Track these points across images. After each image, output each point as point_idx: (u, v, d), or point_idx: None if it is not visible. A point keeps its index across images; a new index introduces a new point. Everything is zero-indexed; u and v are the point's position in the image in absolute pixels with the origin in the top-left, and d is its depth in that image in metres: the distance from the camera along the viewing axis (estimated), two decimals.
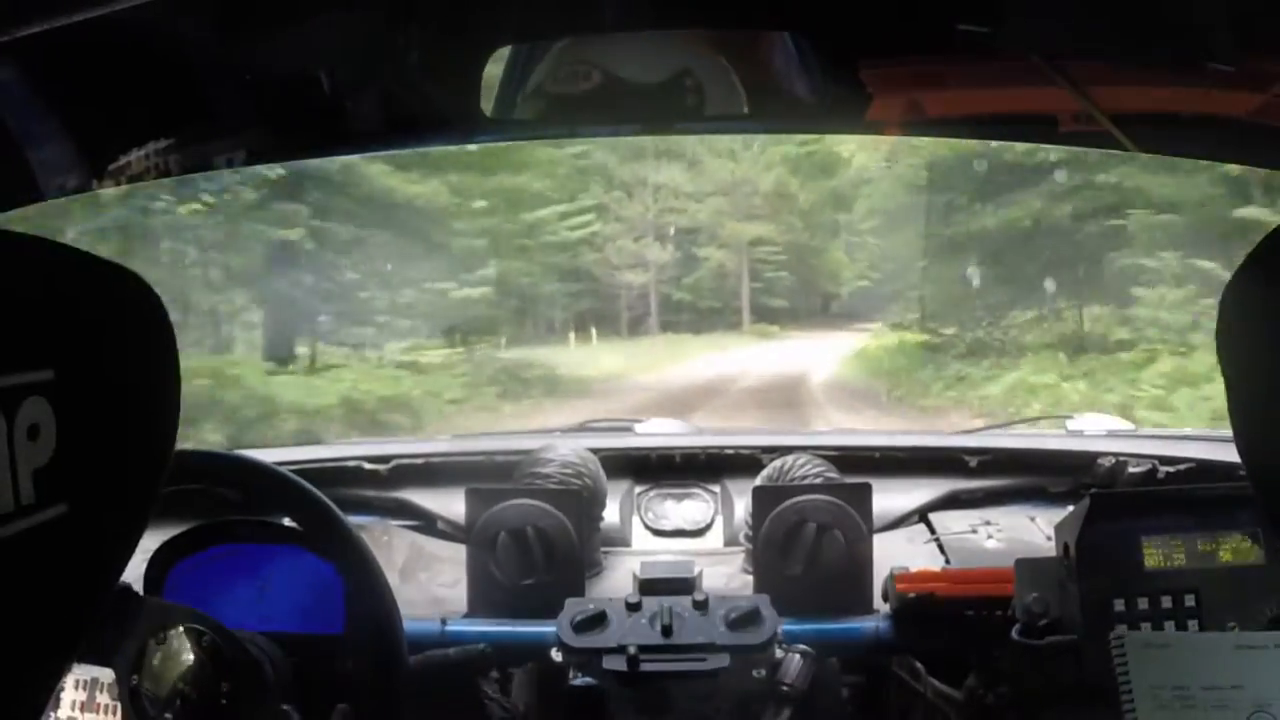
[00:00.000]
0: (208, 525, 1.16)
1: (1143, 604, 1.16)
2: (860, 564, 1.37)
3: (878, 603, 1.35)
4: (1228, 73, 0.96)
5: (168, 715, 0.97)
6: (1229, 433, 0.66)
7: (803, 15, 1.05)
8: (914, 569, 1.31)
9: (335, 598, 1.11)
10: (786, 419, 9.34)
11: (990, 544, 1.49)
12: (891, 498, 1.55)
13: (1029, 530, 1.52)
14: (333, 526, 1.07)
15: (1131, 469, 1.56)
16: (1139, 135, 1.10)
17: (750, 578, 1.42)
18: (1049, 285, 9.97)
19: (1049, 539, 1.37)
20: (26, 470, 0.42)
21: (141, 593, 1.14)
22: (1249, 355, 0.58)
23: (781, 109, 1.16)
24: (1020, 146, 7.91)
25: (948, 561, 1.45)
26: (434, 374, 9.86)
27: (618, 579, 1.46)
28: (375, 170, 8.89)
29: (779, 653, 1.23)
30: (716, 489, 1.65)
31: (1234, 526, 1.17)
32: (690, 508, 1.63)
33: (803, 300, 18.16)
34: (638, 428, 1.91)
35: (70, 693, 1.05)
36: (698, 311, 17.29)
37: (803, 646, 1.24)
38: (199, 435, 5.20)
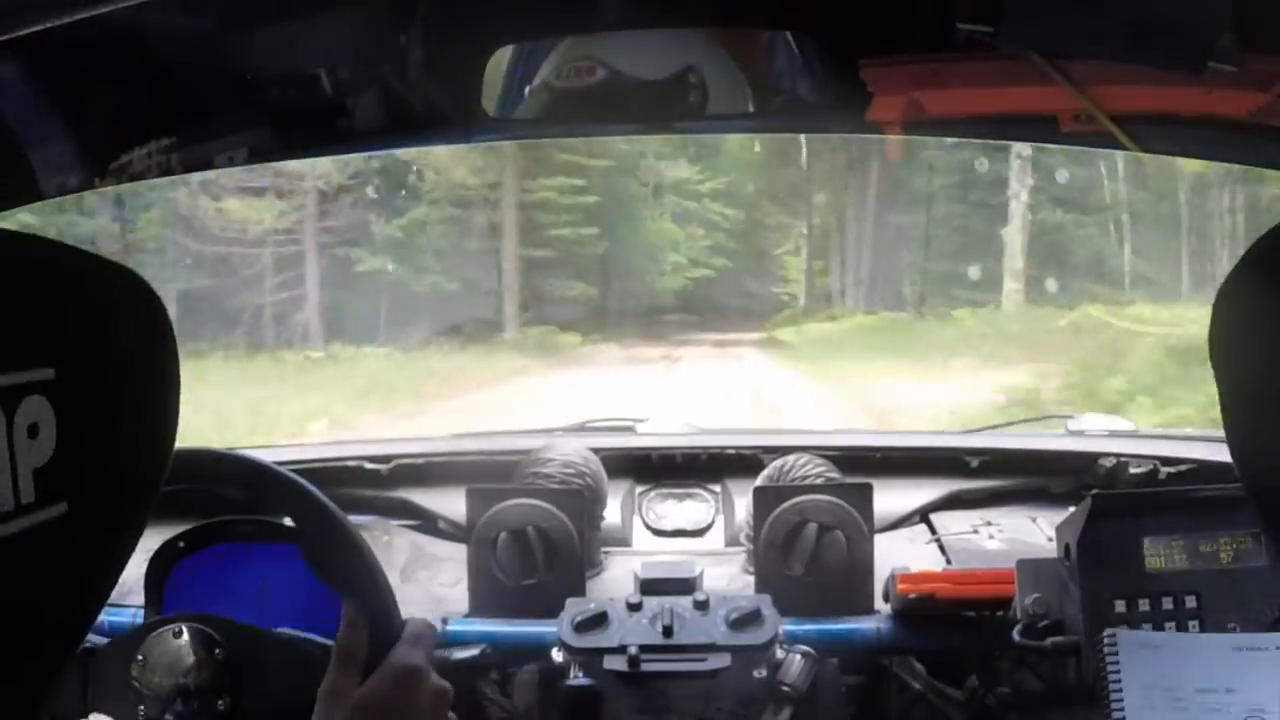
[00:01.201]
0: (208, 525, 1.16)
1: (1144, 605, 1.15)
2: (861, 564, 1.36)
3: (878, 603, 1.35)
4: (1228, 73, 0.96)
5: (168, 716, 0.97)
6: None
7: (803, 14, 1.05)
8: (915, 569, 1.31)
9: (336, 597, 1.11)
10: None
11: (991, 545, 1.49)
12: (892, 498, 1.55)
13: (1030, 531, 1.52)
14: (332, 526, 1.07)
15: (1133, 470, 1.56)
16: (1139, 135, 1.10)
17: (751, 578, 1.42)
18: None
19: (1050, 540, 1.37)
20: (26, 469, 0.42)
21: (141, 598, 1.14)
22: (1243, 359, 0.58)
23: (781, 108, 1.16)
24: None
25: (949, 562, 1.45)
26: None
27: (618, 579, 1.46)
28: None
29: (780, 653, 1.23)
30: (717, 489, 1.65)
31: (1235, 527, 1.17)
32: (691, 508, 1.63)
33: (614, 286, 10.12)
34: (639, 427, 1.91)
35: None
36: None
37: (803, 647, 1.24)
38: None
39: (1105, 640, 1.06)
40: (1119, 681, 1.04)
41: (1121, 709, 1.03)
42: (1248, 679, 1.00)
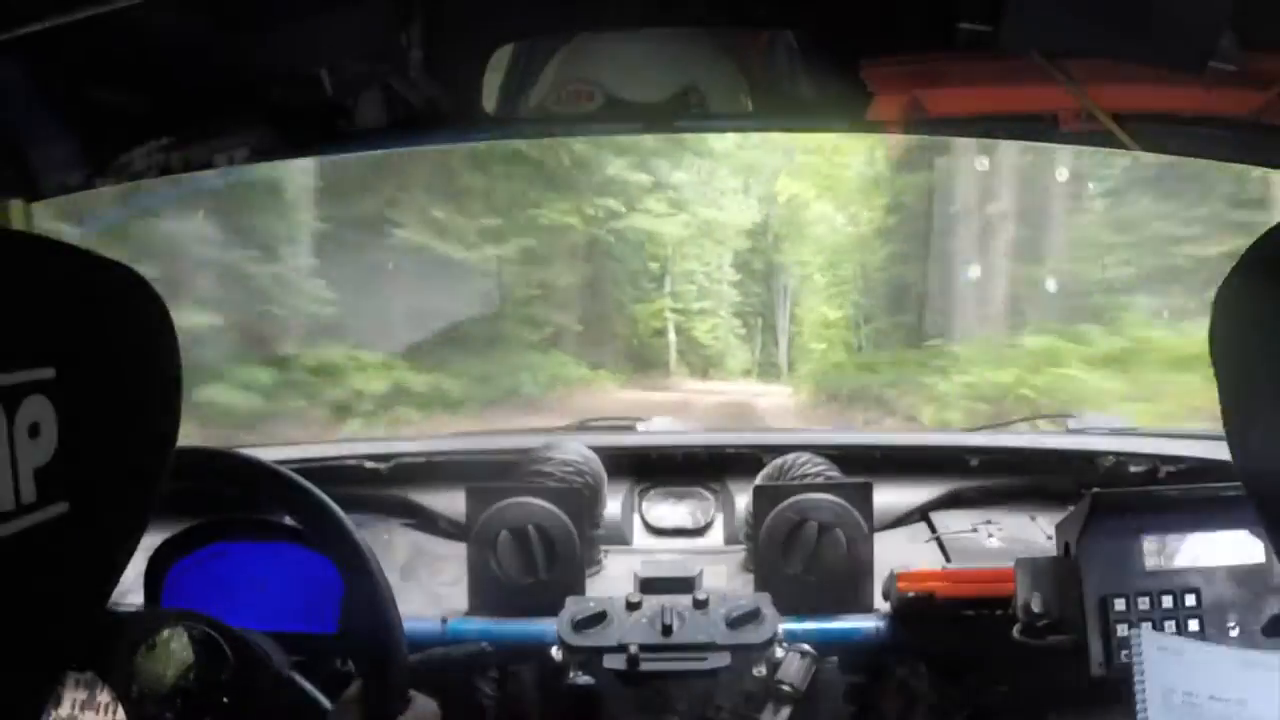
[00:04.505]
0: (207, 524, 1.16)
1: (1143, 603, 1.16)
2: (861, 563, 1.36)
3: (878, 602, 1.35)
4: (1228, 73, 0.96)
5: (168, 715, 0.97)
6: None
7: (804, 14, 1.05)
8: (915, 568, 1.31)
9: (335, 596, 1.11)
10: None
11: (991, 543, 1.49)
12: (892, 497, 1.55)
13: (1029, 530, 1.52)
14: (332, 525, 1.07)
15: (1132, 468, 1.56)
16: (1139, 134, 1.10)
17: (751, 577, 1.42)
18: None
19: (1049, 539, 1.37)
20: (27, 468, 0.42)
21: (141, 597, 1.14)
22: (1243, 357, 0.58)
23: (782, 107, 1.16)
24: None
25: (948, 561, 1.45)
26: None
27: (618, 578, 1.46)
28: None
29: (779, 652, 1.23)
30: (717, 488, 1.65)
31: (1234, 526, 1.17)
32: (691, 506, 1.63)
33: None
34: (639, 426, 1.91)
35: (71, 691, 1.05)
36: None
37: (803, 646, 1.24)
38: None
39: (1131, 637, 1.09)
40: (1142, 680, 1.06)
41: (1144, 707, 1.04)
42: (1258, 691, 1.02)
